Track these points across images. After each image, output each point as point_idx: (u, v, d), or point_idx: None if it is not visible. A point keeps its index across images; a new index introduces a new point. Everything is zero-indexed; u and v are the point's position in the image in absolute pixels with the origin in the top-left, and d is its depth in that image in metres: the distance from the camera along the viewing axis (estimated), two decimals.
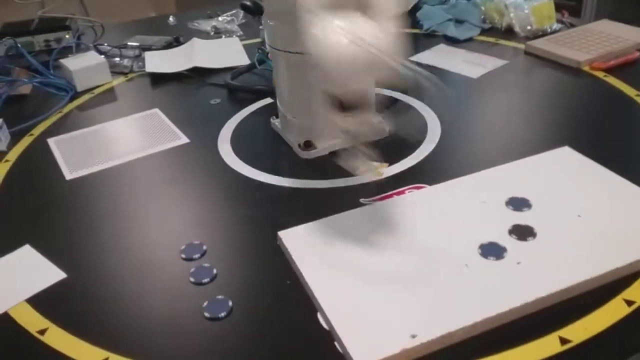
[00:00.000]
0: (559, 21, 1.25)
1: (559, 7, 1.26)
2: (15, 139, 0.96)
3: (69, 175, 0.85)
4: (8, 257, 0.68)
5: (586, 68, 1.05)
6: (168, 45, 1.32)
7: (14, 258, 0.68)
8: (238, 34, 1.39)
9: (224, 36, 1.38)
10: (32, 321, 0.59)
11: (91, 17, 1.57)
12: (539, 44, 1.13)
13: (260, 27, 1.31)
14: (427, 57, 1.16)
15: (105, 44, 1.30)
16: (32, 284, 0.63)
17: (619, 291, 0.57)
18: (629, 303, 0.56)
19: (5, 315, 0.60)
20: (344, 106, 0.59)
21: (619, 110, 0.92)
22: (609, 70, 1.03)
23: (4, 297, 0.62)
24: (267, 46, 0.84)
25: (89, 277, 0.65)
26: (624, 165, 0.74)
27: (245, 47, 1.29)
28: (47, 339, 0.57)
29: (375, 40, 0.52)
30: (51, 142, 0.94)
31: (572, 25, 1.24)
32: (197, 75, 1.16)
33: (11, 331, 0.58)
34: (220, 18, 1.49)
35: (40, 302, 0.61)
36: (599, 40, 1.12)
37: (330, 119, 0.59)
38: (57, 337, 0.57)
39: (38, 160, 0.90)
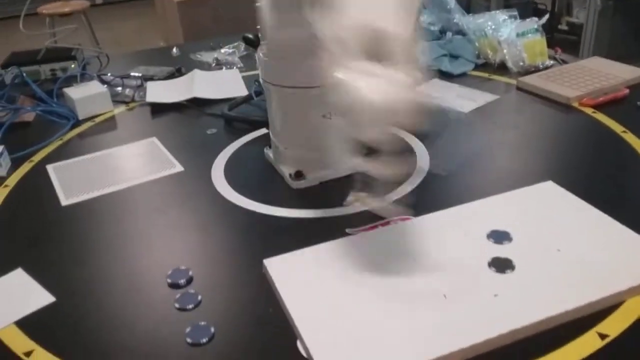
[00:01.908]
0: (551, 57, 1.27)
1: (560, 43, 1.29)
2: (15, 165, 0.99)
3: (64, 201, 0.87)
4: (0, 280, 0.70)
5: (575, 104, 1.07)
6: (170, 76, 1.36)
7: (5, 281, 0.70)
8: (239, 65, 1.43)
9: (224, 68, 1.42)
10: (19, 343, 0.60)
11: (99, 48, 1.62)
12: (530, 79, 1.16)
13: None
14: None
15: (109, 74, 1.33)
16: (22, 306, 0.65)
17: (593, 324, 0.58)
18: (602, 337, 0.57)
19: None
20: (370, 150, 0.57)
21: (605, 147, 0.93)
22: (597, 107, 1.05)
23: None
24: (260, 80, 0.87)
25: (77, 301, 0.66)
26: (607, 200, 0.75)
27: (245, 78, 1.32)
28: None
29: (399, 87, 0.51)
30: (50, 168, 0.97)
31: (564, 62, 1.27)
32: (196, 105, 1.19)
33: None
34: (222, 50, 1.53)
35: (29, 324, 0.63)
36: (589, 77, 1.14)
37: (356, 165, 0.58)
38: (42, 359, 0.58)
39: (36, 186, 0.92)
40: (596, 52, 2.25)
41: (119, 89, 1.27)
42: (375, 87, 0.51)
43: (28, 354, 0.59)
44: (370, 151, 0.57)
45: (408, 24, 0.50)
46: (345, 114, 0.53)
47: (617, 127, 0.97)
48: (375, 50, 0.50)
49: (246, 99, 1.18)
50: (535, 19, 1.26)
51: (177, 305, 0.63)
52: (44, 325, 0.63)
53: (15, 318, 0.64)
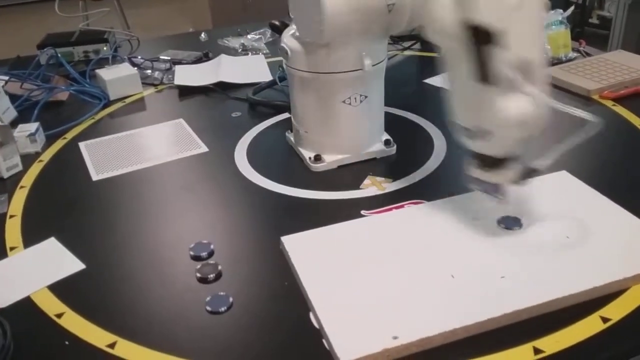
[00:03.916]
0: (575, 50, 1.27)
1: (590, 37, 1.28)
2: (50, 141, 1.04)
3: (95, 176, 0.91)
4: (34, 248, 0.75)
5: (596, 97, 1.07)
6: (197, 60, 1.39)
7: (39, 249, 0.74)
8: (264, 51, 1.46)
9: (250, 53, 1.45)
10: (51, 305, 0.65)
11: (130, 31, 1.66)
12: (552, 71, 1.16)
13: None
14: (441, 80, 1.20)
15: (139, 57, 1.38)
16: (54, 272, 0.70)
17: (597, 308, 0.60)
18: (605, 320, 0.59)
19: (28, 299, 0.66)
20: (491, 163, 0.67)
21: (622, 139, 0.94)
22: (618, 100, 1.05)
23: (28, 283, 0.68)
24: (283, 65, 0.90)
25: (105, 269, 0.71)
26: (621, 191, 0.76)
27: (270, 64, 1.35)
28: (63, 321, 0.62)
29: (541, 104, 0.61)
30: (82, 145, 1.01)
31: (587, 55, 1.27)
32: (222, 89, 1.22)
33: (32, 313, 0.64)
34: (249, 36, 1.56)
35: (60, 289, 0.67)
36: (611, 70, 1.14)
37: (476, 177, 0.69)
38: (72, 321, 0.62)
39: (69, 162, 0.97)
40: (625, 46, 2.21)
41: (149, 71, 1.31)
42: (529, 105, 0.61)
43: (59, 315, 0.63)
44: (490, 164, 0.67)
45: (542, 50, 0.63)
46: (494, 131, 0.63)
47: (636, 120, 0.98)
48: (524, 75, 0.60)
49: (270, 84, 1.21)
50: (560, 10, 1.26)
51: (198, 276, 0.67)
52: (75, 290, 0.67)
53: (48, 282, 0.68)
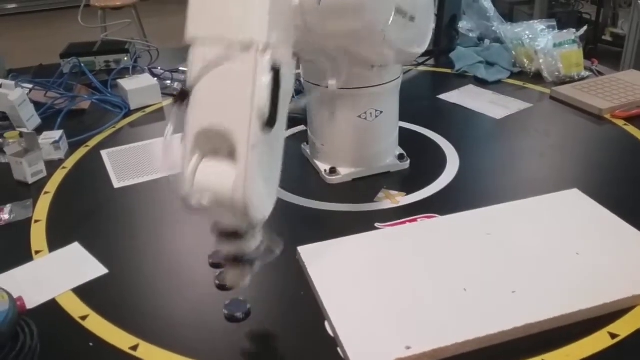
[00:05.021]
0: (587, 69, 1.29)
1: (603, 55, 1.30)
2: (73, 149, 1.07)
3: (117, 184, 0.94)
4: (59, 252, 0.77)
5: (607, 116, 1.09)
6: None
7: (64, 253, 0.77)
8: None
9: None
10: (75, 308, 0.67)
11: (149, 42, 1.70)
12: (564, 90, 1.18)
13: None
14: (455, 96, 1.22)
15: (159, 68, 1.41)
16: (78, 276, 0.72)
17: (605, 324, 0.61)
18: (613, 336, 0.60)
19: (53, 301, 0.68)
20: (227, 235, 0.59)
21: (633, 158, 0.96)
22: (629, 119, 1.07)
23: (53, 285, 0.71)
24: (301, 79, 0.92)
25: (127, 273, 0.73)
26: (630, 209, 0.78)
27: None
28: (87, 324, 0.65)
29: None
30: (104, 153, 1.04)
31: (600, 74, 1.28)
32: None
33: (57, 315, 0.66)
34: None
35: (84, 292, 0.70)
36: (623, 89, 1.16)
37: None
38: (96, 323, 0.65)
39: (91, 169, 1.00)
40: (638, 63, 2.23)
41: (168, 82, 1.34)
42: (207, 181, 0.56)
43: (84, 317, 0.66)
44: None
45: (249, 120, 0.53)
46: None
47: None
48: (219, 146, 0.54)
49: None
50: (573, 30, 1.28)
51: (217, 283, 0.69)
52: (98, 293, 0.70)
53: (73, 286, 0.70)
